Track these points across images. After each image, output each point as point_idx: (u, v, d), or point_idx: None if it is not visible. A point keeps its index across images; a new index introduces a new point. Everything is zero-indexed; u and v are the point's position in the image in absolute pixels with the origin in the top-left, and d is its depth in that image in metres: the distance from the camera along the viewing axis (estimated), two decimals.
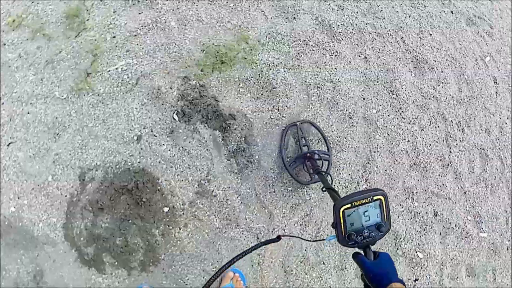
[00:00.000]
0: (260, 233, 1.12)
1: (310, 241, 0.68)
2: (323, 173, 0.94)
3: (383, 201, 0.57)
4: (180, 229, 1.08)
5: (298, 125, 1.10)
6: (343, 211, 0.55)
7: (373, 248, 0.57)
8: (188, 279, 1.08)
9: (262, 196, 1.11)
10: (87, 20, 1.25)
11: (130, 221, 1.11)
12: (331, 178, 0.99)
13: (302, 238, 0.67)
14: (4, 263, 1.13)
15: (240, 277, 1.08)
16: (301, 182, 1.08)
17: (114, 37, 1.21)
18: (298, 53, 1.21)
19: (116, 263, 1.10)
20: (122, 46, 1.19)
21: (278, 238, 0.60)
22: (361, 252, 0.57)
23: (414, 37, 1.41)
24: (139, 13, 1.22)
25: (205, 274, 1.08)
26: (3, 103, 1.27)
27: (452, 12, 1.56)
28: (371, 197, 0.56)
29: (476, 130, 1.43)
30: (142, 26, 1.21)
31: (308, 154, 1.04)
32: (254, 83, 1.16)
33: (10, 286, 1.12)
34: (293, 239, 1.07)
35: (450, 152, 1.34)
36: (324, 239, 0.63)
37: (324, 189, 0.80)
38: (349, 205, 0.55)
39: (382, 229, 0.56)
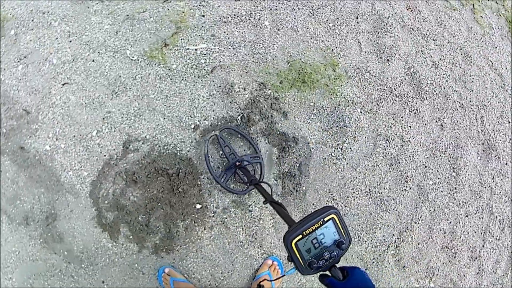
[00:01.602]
0: (280, 259, 1.10)
1: (272, 280, 0.66)
2: (259, 182, 0.85)
3: (336, 218, 0.53)
4: (204, 229, 1.07)
5: (218, 135, 1.03)
6: (295, 243, 0.51)
7: (339, 264, 0.52)
8: (194, 278, 1.08)
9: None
10: None
11: (159, 204, 1.09)
12: (270, 187, 0.86)
13: (270, 280, 0.64)
14: (22, 193, 1.13)
15: (278, 266, 1.06)
16: (238, 193, 1.03)
17: (203, 16, 1.15)
18: (380, 99, 1.15)
19: (131, 237, 1.09)
20: (208, 29, 1.13)
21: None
22: (328, 273, 0.52)
23: (493, 119, 1.34)
24: (236, 0, 1.16)
25: (212, 279, 1.07)
26: (70, 41, 1.23)
27: None
28: (322, 219, 0.52)
29: None
30: (235, 15, 1.14)
31: (237, 163, 0.98)
32: (328, 114, 1.12)
33: (19, 216, 1.13)
34: (304, 278, 1.04)
35: (483, 246, 1.30)
36: (284, 275, 0.59)
37: (265, 202, 0.73)
38: (300, 236, 0.51)
39: (343, 246, 0.53)
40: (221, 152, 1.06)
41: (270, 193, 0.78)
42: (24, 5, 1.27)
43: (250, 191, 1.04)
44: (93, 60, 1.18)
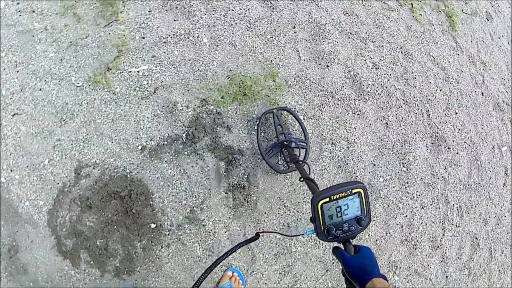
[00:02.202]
0: (239, 269, 1.11)
1: (288, 236, 0.68)
2: (301, 162, 0.89)
3: (363, 194, 0.55)
4: (162, 248, 1.08)
5: (274, 112, 1.07)
6: (321, 205, 0.53)
7: (354, 242, 0.55)
8: None
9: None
10: (121, 12, 1.22)
11: (115, 227, 1.10)
12: (309, 168, 0.95)
13: (281, 233, 0.68)
14: None
15: (239, 277, 1.08)
16: (278, 171, 1.06)
17: (143, 37, 1.17)
18: (322, 104, 1.18)
19: (92, 262, 1.09)
20: (149, 50, 1.16)
21: (257, 235, 0.59)
22: (341, 246, 0.55)
23: (439, 112, 1.39)
24: (174, 20, 1.19)
25: None
26: (18, 71, 1.25)
27: (482, 93, 1.53)
28: (350, 190, 0.54)
29: (474, 218, 1.42)
30: (174, 34, 1.17)
31: (285, 142, 1.01)
32: (271, 123, 1.14)
33: None
34: (266, 286, 1.06)
35: (444, 235, 1.33)
36: (303, 234, 0.61)
37: (301, 179, 0.77)
38: (327, 199, 0.53)
39: (362, 223, 0.55)
40: (272, 129, 1.06)
41: (308, 172, 0.84)
42: None
43: (290, 171, 1.05)
44: (40, 89, 1.19)
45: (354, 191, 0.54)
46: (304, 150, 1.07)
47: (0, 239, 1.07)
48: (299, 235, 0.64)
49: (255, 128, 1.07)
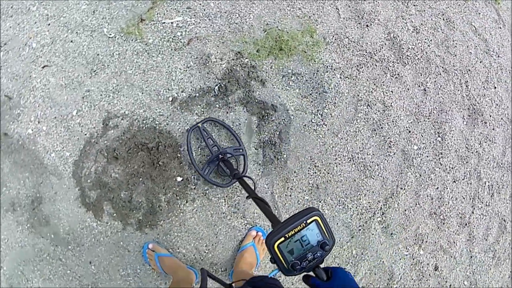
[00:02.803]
0: (264, 229, 1.09)
1: (251, 279, 0.64)
2: (242, 177, 0.85)
3: (319, 220, 0.52)
4: (187, 202, 1.06)
5: (200, 127, 1.02)
6: (277, 246, 0.50)
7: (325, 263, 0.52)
8: (178, 252, 1.07)
9: (277, 196, 1.07)
10: None
11: (140, 179, 1.09)
12: (253, 182, 0.87)
13: (245, 280, 0.64)
14: (7, 179, 1.13)
15: (263, 237, 1.06)
16: (222, 186, 1.02)
17: None
18: (360, 64, 1.14)
19: (115, 214, 1.09)
20: (184, 1, 1.12)
21: (230, 286, 0.57)
22: (312, 274, 0.52)
23: (478, 84, 1.32)
24: None
25: (196, 252, 1.07)
26: (49, 24, 1.23)
27: None
28: (305, 221, 0.51)
29: (504, 199, 1.36)
30: None
31: (220, 156, 0.98)
32: (307, 80, 1.10)
33: (6, 203, 1.13)
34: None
35: (473, 213, 1.28)
36: (266, 276, 0.59)
37: (248, 197, 0.72)
38: (282, 239, 0.51)
39: (327, 247, 0.52)
40: (203, 143, 1.03)
41: (254, 188, 0.77)
42: None
43: (233, 183, 1.02)
44: (71, 41, 1.18)
45: (309, 221, 0.51)
46: (242, 156, 1.02)
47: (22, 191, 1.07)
48: (264, 276, 0.62)
49: (186, 147, 1.00)
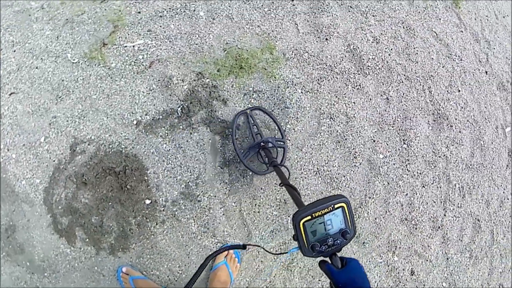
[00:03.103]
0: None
1: (272, 253, 0.67)
2: (279, 165, 0.87)
3: (346, 207, 0.54)
4: (157, 224, 1.07)
5: (248, 113, 1.04)
6: (303, 223, 0.52)
7: (340, 254, 0.54)
8: (152, 274, 1.07)
9: (245, 214, 1.08)
10: None
11: (110, 203, 1.09)
12: (288, 171, 0.93)
13: (265, 250, 0.65)
14: None
15: (235, 254, 1.06)
16: (258, 173, 1.03)
17: (139, 12, 1.15)
18: (321, 78, 1.16)
19: (87, 239, 1.09)
20: (145, 24, 1.14)
21: (244, 246, 0.59)
22: (328, 260, 0.54)
23: (442, 89, 1.35)
24: None
25: (170, 273, 1.07)
26: (15, 51, 1.24)
27: (486, 72, 1.48)
28: (332, 205, 0.53)
29: (476, 199, 1.39)
30: (170, 8, 1.15)
31: (262, 143, 0.98)
32: (268, 97, 1.12)
33: None
34: (262, 264, 1.04)
35: (445, 215, 1.30)
36: (287, 252, 0.60)
37: (281, 184, 0.75)
38: (309, 217, 0.52)
39: (347, 236, 0.54)
40: (248, 130, 1.05)
41: (288, 177, 0.80)
42: None
43: (269, 172, 1.03)
44: (36, 67, 1.18)
45: (336, 206, 0.53)
46: (282, 149, 1.04)
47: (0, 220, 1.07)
48: (283, 253, 0.63)
49: (230, 130, 1.03)
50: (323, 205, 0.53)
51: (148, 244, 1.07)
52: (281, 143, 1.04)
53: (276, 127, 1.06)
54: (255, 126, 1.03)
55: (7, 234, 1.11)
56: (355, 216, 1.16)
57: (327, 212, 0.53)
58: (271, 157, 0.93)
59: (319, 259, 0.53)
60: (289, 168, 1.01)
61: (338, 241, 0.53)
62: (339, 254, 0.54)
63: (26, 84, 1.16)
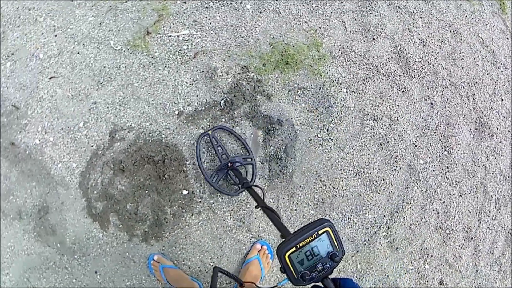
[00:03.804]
0: (269, 243, 1.09)
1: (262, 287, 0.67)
2: (252, 186, 0.86)
3: (330, 231, 0.53)
4: (192, 215, 1.07)
5: (210, 134, 1.02)
6: (288, 256, 0.51)
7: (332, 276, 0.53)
8: (183, 264, 1.08)
9: (282, 210, 1.07)
10: None
11: (146, 191, 1.09)
12: (263, 191, 0.87)
13: (256, 285, 0.64)
14: (14, 188, 1.14)
15: (268, 250, 1.06)
16: (229, 194, 1.02)
17: (184, 2, 1.14)
18: (366, 78, 1.13)
19: (121, 225, 1.10)
20: (190, 15, 1.12)
21: (241, 285, 0.58)
22: (320, 285, 0.53)
23: (485, 97, 1.31)
24: None
25: (202, 265, 1.07)
26: (56, 36, 1.24)
27: None
28: (316, 232, 0.52)
29: (511, 213, 1.35)
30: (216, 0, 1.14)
31: (229, 164, 0.97)
32: (313, 94, 1.10)
33: (13, 211, 1.14)
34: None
35: (479, 226, 1.27)
36: (276, 286, 0.59)
37: (257, 207, 0.73)
38: (293, 249, 0.51)
39: (336, 258, 0.53)
40: (213, 151, 1.04)
41: (262, 197, 0.77)
42: (10, 3, 1.28)
43: (241, 192, 1.03)
44: (78, 53, 1.18)
45: (320, 232, 0.52)
46: (251, 165, 1.02)
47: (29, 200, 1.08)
48: (274, 287, 0.62)
49: (195, 154, 1.00)
50: (306, 234, 0.51)
51: (182, 234, 1.07)
52: (249, 159, 1.02)
53: (241, 144, 1.04)
54: (219, 147, 1.01)
55: (40, 215, 1.13)
56: (390, 220, 1.14)
57: (312, 240, 0.51)
58: (241, 178, 0.92)
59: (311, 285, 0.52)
60: (263, 188, 0.98)
61: (328, 265, 0.52)
62: (330, 276, 0.53)
63: (67, 69, 1.17)
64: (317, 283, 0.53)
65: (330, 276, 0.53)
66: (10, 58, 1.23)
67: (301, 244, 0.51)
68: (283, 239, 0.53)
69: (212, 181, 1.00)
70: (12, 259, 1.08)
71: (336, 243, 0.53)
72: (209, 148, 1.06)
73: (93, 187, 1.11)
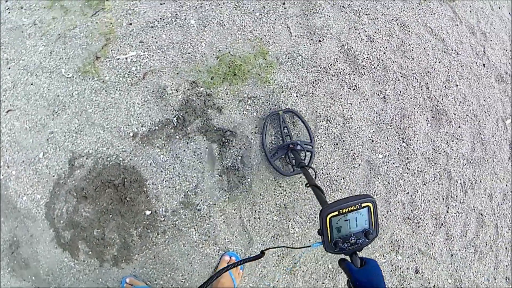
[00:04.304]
0: (237, 253, 1.10)
1: (295, 248, 0.66)
2: (306, 167, 0.89)
3: (371, 208, 0.55)
4: (158, 234, 1.07)
5: (280, 114, 1.06)
6: (329, 218, 0.53)
7: (360, 254, 0.55)
8: (156, 284, 1.08)
9: (245, 220, 1.08)
10: (107, 0, 1.20)
11: (110, 216, 1.10)
12: (315, 173, 0.96)
13: (287, 247, 0.67)
14: None
15: (236, 261, 1.06)
16: (284, 174, 1.05)
17: (130, 24, 1.15)
18: (316, 80, 1.15)
19: (90, 252, 1.09)
20: (137, 36, 1.13)
21: (262, 253, 0.58)
22: (348, 258, 0.55)
23: (439, 85, 1.34)
24: (161, 4, 1.16)
25: (174, 282, 1.07)
26: (9, 68, 1.24)
27: (484, 65, 1.46)
28: (360, 204, 0.54)
29: (479, 194, 1.37)
30: (161, 18, 1.15)
31: (291, 145, 1.00)
32: (263, 102, 1.11)
33: None
34: (265, 269, 1.04)
35: (447, 212, 1.29)
36: (310, 246, 0.61)
37: (307, 185, 0.77)
38: (336, 213, 0.53)
39: (370, 236, 0.55)
40: (278, 130, 1.07)
41: (314, 178, 0.81)
42: None
43: (295, 174, 1.06)
44: (32, 83, 1.19)
45: (363, 205, 0.54)
46: (310, 153, 1.06)
47: (1, 235, 1.08)
48: (306, 246, 0.64)
49: (261, 128, 1.05)
50: (350, 203, 0.54)
51: (150, 255, 1.07)
52: (310, 147, 1.06)
53: (306, 131, 1.08)
54: (285, 128, 1.05)
55: (12, 249, 1.13)
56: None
57: (354, 210, 0.54)
58: (298, 159, 0.95)
59: (337, 257, 0.54)
60: (316, 170, 1.02)
61: (360, 240, 0.54)
62: (359, 254, 0.54)
63: (22, 101, 1.17)
64: (345, 256, 0.55)
65: (359, 253, 0.54)
66: None
67: (343, 211, 0.53)
68: (327, 204, 0.55)
69: (270, 157, 1.03)
70: None
71: (373, 222, 0.56)
72: (275, 127, 1.08)
73: (59, 216, 1.11)
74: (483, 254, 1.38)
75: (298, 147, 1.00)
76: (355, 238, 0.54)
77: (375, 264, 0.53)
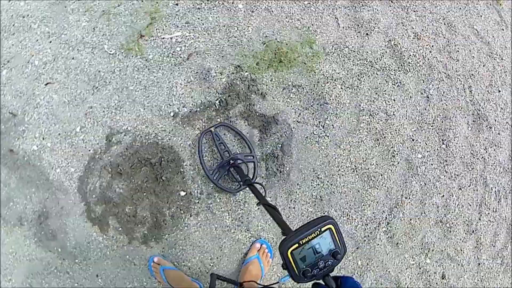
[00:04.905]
0: (268, 241, 1.09)
1: (264, 286, 0.64)
2: (252, 183, 0.85)
3: (333, 228, 0.53)
4: (191, 216, 1.07)
5: (212, 131, 1.03)
6: (291, 252, 0.51)
7: (332, 273, 0.53)
8: (184, 265, 1.08)
9: (281, 209, 1.07)
10: None
11: (144, 194, 1.10)
12: (264, 188, 0.91)
13: (258, 283, 0.65)
14: (14, 194, 1.15)
15: (268, 249, 1.06)
16: (231, 191, 1.02)
17: (176, 4, 1.14)
18: (361, 73, 1.13)
19: (120, 228, 1.10)
20: (183, 17, 1.13)
21: (241, 285, 0.58)
22: (321, 282, 0.53)
23: (482, 89, 1.30)
24: None
25: (202, 265, 1.07)
26: (50, 42, 1.25)
27: None
28: (319, 229, 0.52)
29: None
30: (208, 0, 1.14)
31: (231, 161, 0.98)
32: (307, 92, 1.10)
33: (13, 218, 1.15)
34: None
35: (480, 219, 1.26)
36: (278, 282, 0.60)
37: (258, 204, 0.73)
38: (296, 245, 0.51)
39: (338, 256, 0.53)
40: (214, 148, 1.04)
41: (264, 195, 0.77)
42: (4, 11, 1.29)
43: (243, 189, 1.03)
44: (73, 58, 1.19)
45: (323, 229, 0.52)
46: (252, 163, 1.02)
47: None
48: (275, 283, 0.62)
49: (197, 150, 1.01)
50: (309, 231, 0.51)
51: (181, 236, 1.07)
52: (251, 157, 1.02)
53: (243, 142, 1.04)
54: (221, 144, 1.02)
55: (40, 220, 1.14)
56: (390, 216, 1.13)
57: (315, 237, 0.51)
58: (243, 176, 0.91)
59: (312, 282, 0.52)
60: (264, 185, 0.99)
61: (330, 262, 0.52)
62: (331, 274, 0.53)
63: (62, 75, 1.17)
64: (318, 281, 0.53)
65: (331, 274, 0.53)
66: (6, 66, 1.24)
67: (303, 241, 0.51)
68: (285, 236, 0.53)
69: (213, 178, 1.00)
70: (14, 265, 1.09)
71: (338, 241, 0.53)
72: (211, 145, 1.06)
73: (91, 191, 1.12)
74: (508, 267, 1.35)
75: (239, 162, 0.97)
76: (323, 262, 0.52)
77: (353, 282, 0.52)
